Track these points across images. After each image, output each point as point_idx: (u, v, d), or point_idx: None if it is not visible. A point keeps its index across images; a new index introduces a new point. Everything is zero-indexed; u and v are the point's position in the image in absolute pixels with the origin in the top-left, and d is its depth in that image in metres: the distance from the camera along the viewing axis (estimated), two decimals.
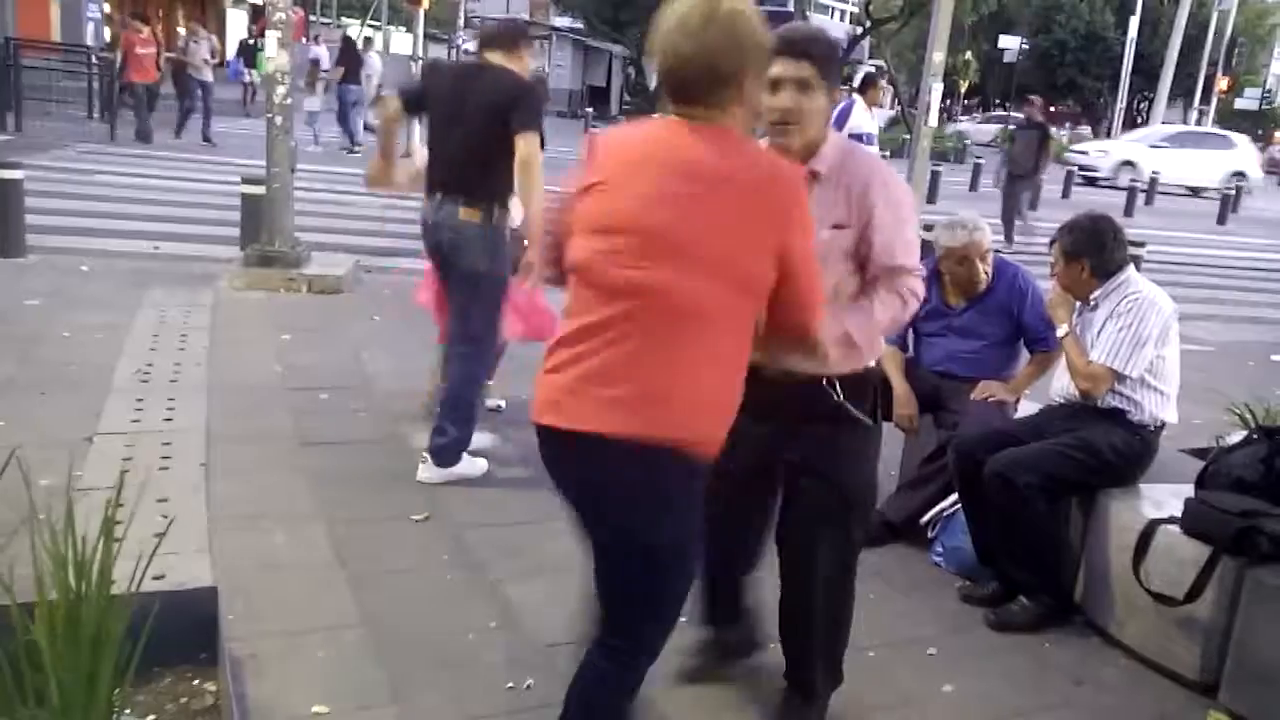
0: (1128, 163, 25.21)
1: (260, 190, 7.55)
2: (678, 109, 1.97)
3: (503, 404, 5.11)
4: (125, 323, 5.96)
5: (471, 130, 3.97)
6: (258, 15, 16.68)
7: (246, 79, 22.60)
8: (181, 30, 25.34)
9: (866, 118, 10.00)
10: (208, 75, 16.34)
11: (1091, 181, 24.69)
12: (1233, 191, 22.16)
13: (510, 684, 2.86)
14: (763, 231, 1.92)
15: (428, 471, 4.19)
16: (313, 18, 40.66)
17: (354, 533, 3.68)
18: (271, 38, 7.26)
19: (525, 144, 3.92)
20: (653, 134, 2.02)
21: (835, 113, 10.17)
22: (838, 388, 2.49)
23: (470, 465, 4.29)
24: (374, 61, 22.37)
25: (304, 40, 23.95)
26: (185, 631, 2.57)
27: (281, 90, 7.24)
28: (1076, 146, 28.59)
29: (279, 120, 7.27)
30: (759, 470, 2.65)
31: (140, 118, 15.56)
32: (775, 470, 2.66)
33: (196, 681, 2.56)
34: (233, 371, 5.33)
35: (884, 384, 2.99)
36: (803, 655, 2.76)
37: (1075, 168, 23.99)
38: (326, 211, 10.58)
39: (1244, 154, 27.00)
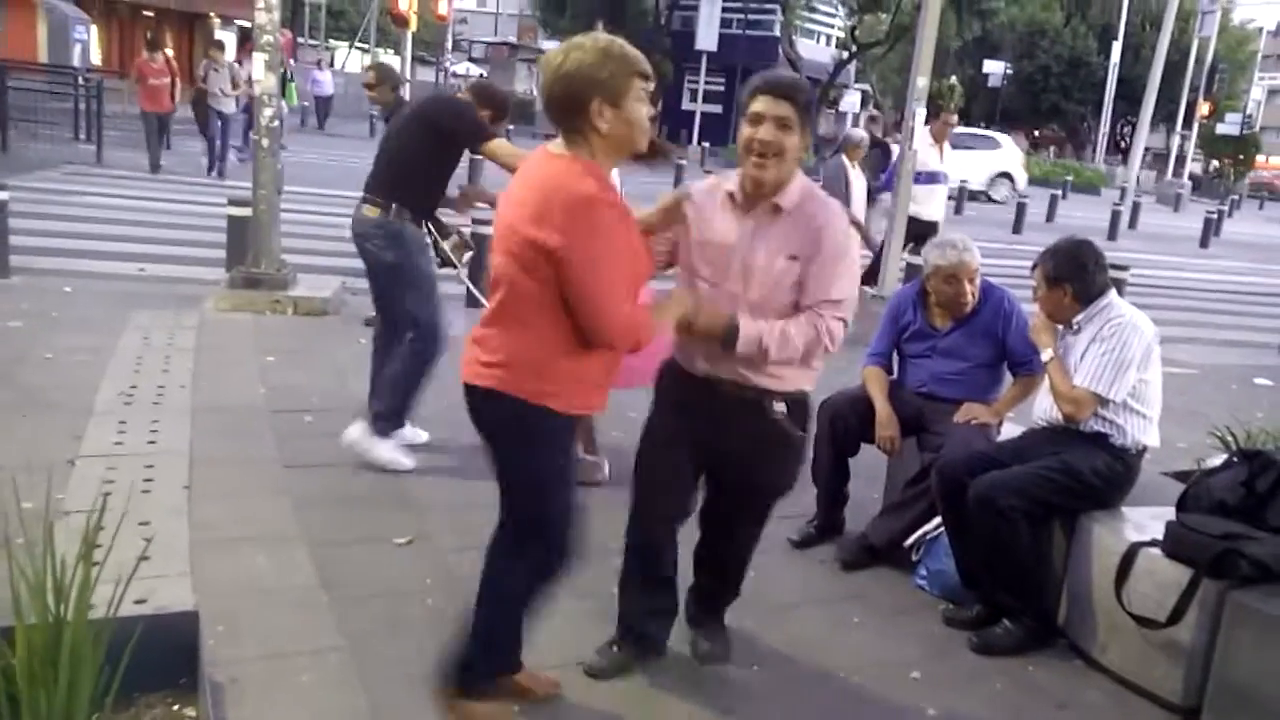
0: None
1: (246, 212, 7.55)
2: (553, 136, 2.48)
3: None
4: (109, 345, 5.93)
5: (397, 141, 4.51)
6: (246, 38, 16.09)
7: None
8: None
9: (933, 155, 9.40)
10: (227, 106, 15.42)
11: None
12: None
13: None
14: (544, 228, 2.32)
15: (356, 432, 4.50)
16: (300, 40, 40.79)
17: (337, 556, 3.66)
18: (259, 60, 7.28)
19: (495, 148, 4.33)
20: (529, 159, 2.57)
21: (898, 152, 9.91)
22: (775, 403, 2.80)
23: (395, 457, 4.49)
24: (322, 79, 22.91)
25: (292, 61, 23.93)
26: (166, 656, 2.55)
27: (269, 112, 7.25)
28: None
29: (265, 142, 7.28)
30: (690, 445, 2.92)
31: (150, 147, 14.88)
32: (703, 451, 2.92)
33: (176, 707, 2.54)
34: (217, 394, 5.31)
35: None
36: (719, 588, 3.21)
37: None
38: (313, 233, 10.56)
39: (1009, 155, 26.81)
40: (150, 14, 29.67)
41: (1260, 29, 55.12)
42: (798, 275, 2.70)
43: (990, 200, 25.36)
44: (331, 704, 2.82)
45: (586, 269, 2.33)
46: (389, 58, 37.81)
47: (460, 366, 2.57)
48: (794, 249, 2.69)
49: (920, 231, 9.09)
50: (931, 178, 9.43)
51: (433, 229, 6.02)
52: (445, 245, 5.69)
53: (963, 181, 21.78)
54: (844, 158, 8.89)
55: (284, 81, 19.76)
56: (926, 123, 9.47)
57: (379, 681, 2.93)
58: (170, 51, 14.14)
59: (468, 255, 5.68)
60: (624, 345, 2.47)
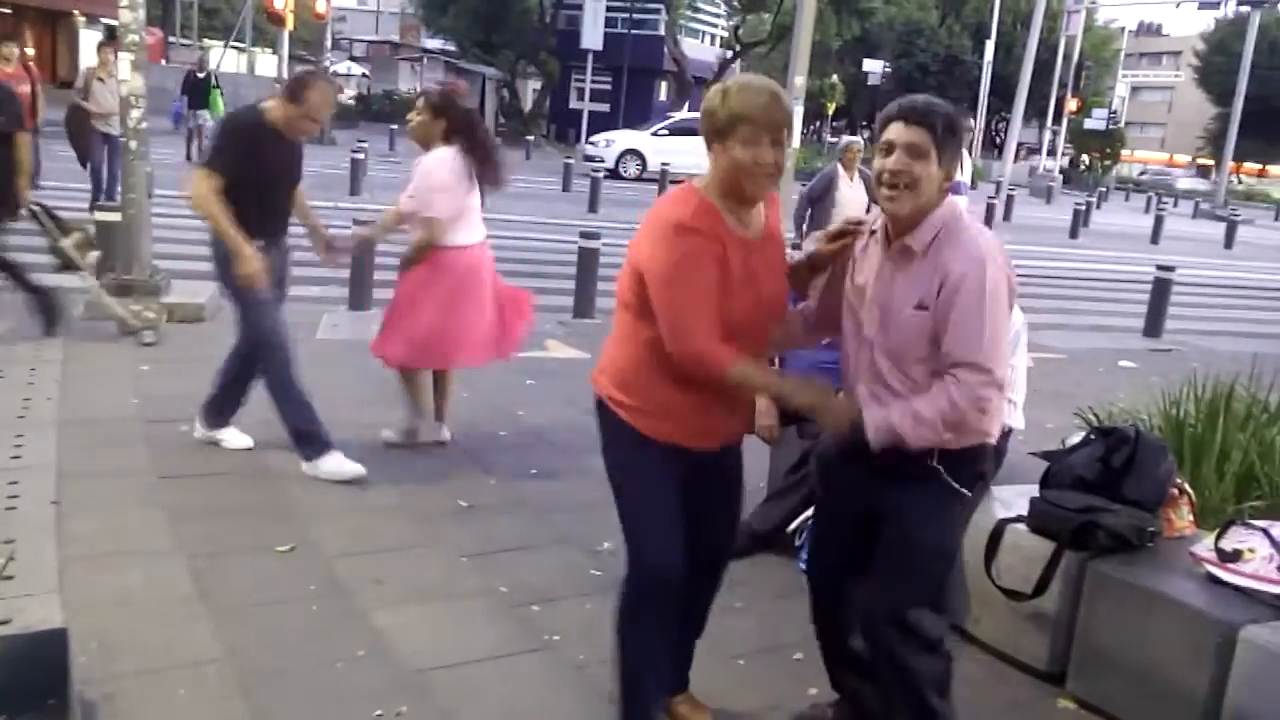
0: (633, 151, 25.93)
1: (116, 217, 7.28)
2: None
3: (447, 436, 5.09)
4: None
5: None
6: (112, 37, 14.10)
7: (193, 123, 17.64)
8: (84, 63, 17.05)
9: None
10: (116, 126, 9.98)
11: (614, 174, 24.50)
12: None
13: (379, 712, 2.82)
14: (637, 244, 2.48)
15: (309, 469, 4.49)
16: (172, 39, 39.44)
17: (216, 566, 3.58)
18: (125, 60, 7.03)
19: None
20: None
21: None
22: (935, 457, 2.47)
23: (339, 468, 4.46)
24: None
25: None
26: (33, 677, 2.46)
27: (136, 114, 7.01)
28: (593, 139, 28.13)
29: (134, 145, 7.04)
30: (857, 512, 2.68)
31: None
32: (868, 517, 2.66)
33: None
34: (86, 405, 5.12)
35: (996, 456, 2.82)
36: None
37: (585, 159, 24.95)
38: (187, 238, 10.22)
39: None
40: (7, 10, 28.04)
41: (1123, 28, 57.69)
42: (930, 327, 2.40)
43: None
44: (211, 716, 2.76)
45: (660, 287, 2.40)
46: (266, 57, 36.88)
47: None
48: (921, 297, 2.41)
49: None
50: (954, 187, 9.30)
51: (48, 224, 5.99)
52: (66, 243, 5.55)
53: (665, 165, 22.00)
54: (838, 165, 8.69)
55: (208, 89, 17.52)
56: None
57: (261, 690, 2.88)
58: (31, 50, 10.78)
59: (94, 255, 5.52)
60: (693, 371, 2.44)
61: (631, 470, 2.60)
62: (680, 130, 24.92)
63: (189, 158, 16.90)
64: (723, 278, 2.41)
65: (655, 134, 26.41)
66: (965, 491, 2.52)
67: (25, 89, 10.22)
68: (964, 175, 9.11)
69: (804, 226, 8.54)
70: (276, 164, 4.47)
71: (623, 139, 26.80)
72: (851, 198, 8.55)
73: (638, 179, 25.11)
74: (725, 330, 2.42)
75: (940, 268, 2.39)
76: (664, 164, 22.11)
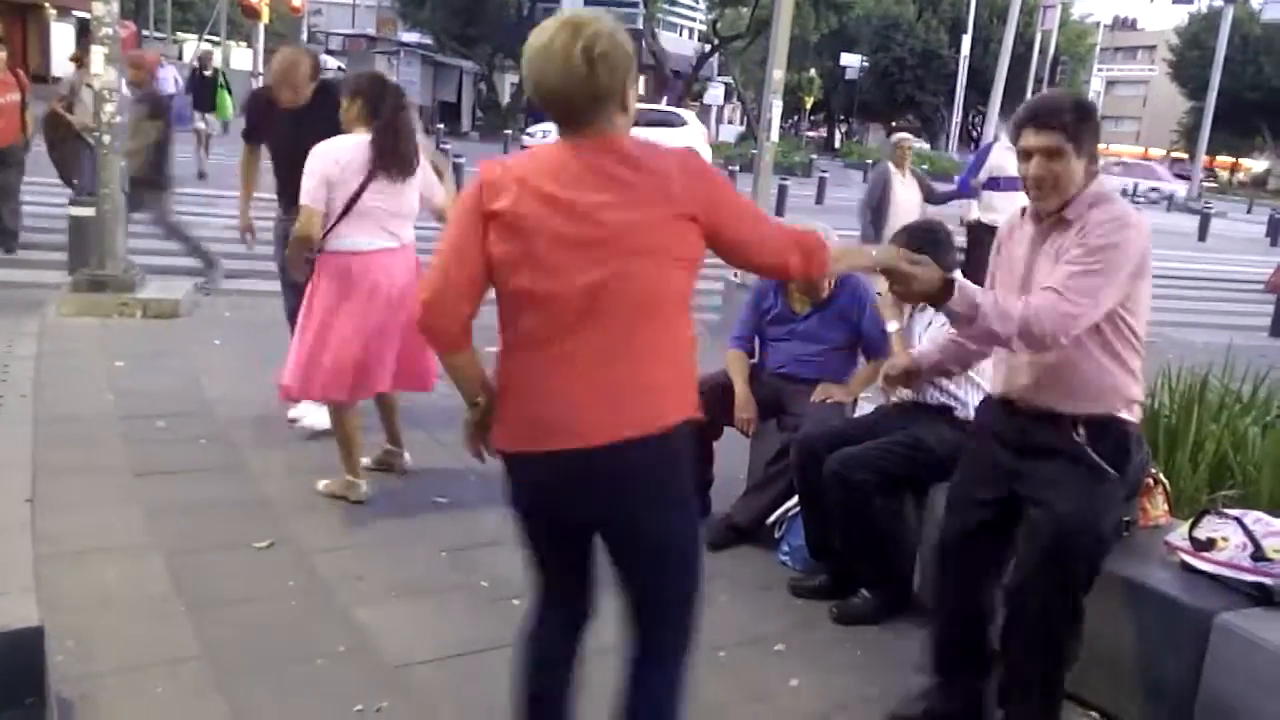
0: None
1: (89, 212, 7.21)
2: (563, 132, 2.05)
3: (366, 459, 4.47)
4: None
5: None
6: (85, 31, 12.88)
7: (201, 125, 15.60)
8: (56, 58, 15.18)
9: (1010, 159, 8.09)
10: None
11: None
12: None
13: (360, 707, 2.81)
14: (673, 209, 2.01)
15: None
16: (145, 33, 39.05)
17: (193, 563, 3.56)
18: (98, 54, 6.97)
19: None
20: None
21: (974, 156, 9.18)
22: (1080, 428, 2.60)
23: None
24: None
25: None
26: (9, 676, 2.44)
27: (110, 108, 6.95)
28: (530, 129, 27.28)
29: (107, 139, 6.97)
30: (1001, 505, 2.75)
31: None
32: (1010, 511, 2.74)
33: None
34: (61, 402, 5.08)
35: (1138, 440, 2.77)
36: (1014, 675, 2.84)
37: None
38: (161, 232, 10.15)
39: (693, 132, 26.41)
40: None
41: (1098, 23, 58.00)
42: None
43: None
44: (189, 713, 2.74)
45: (739, 208, 2.15)
46: (241, 51, 36.63)
47: None
48: (1071, 258, 2.54)
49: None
50: (1010, 183, 8.11)
51: None
52: None
53: None
54: (889, 164, 8.34)
55: (216, 89, 15.77)
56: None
57: (240, 687, 2.86)
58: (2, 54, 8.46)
59: None
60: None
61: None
62: None
63: (201, 173, 15.13)
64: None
65: None
66: (1112, 470, 2.60)
67: (14, 98, 8.59)
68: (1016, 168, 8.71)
69: (869, 232, 8.23)
70: (279, 135, 4.66)
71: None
72: (906, 198, 8.16)
73: None
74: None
75: (1085, 226, 2.54)
76: None
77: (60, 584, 3.32)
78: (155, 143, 7.72)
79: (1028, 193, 2.64)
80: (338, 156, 3.96)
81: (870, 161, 34.67)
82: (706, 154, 26.20)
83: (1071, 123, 2.54)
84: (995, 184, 8.54)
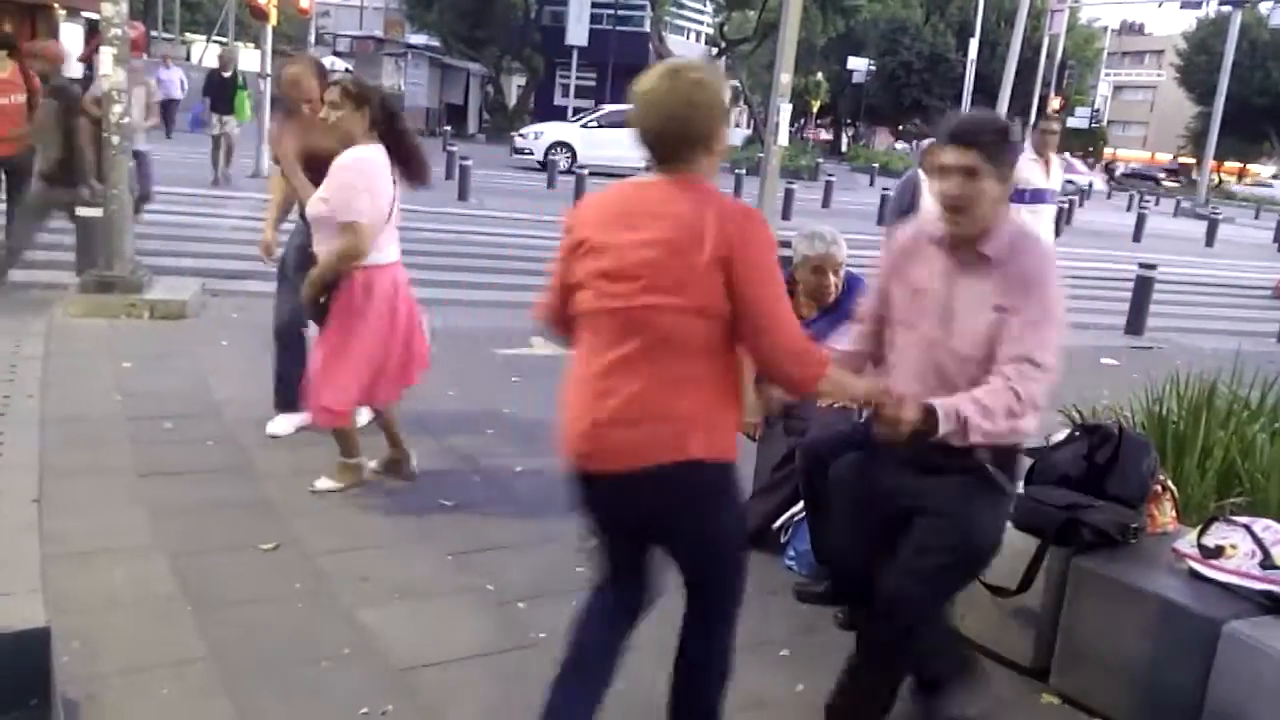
0: (562, 144, 24.75)
1: (97, 213, 7.23)
2: (655, 167, 2.25)
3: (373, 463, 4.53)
4: None
5: None
6: (94, 32, 12.45)
7: (218, 130, 15.26)
8: (77, 68, 12.39)
9: (1036, 171, 8.04)
10: (142, 141, 9.21)
11: (544, 167, 22.92)
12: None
13: (365, 710, 2.81)
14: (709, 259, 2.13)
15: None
16: (153, 33, 39.16)
17: (199, 565, 3.56)
18: (107, 54, 6.98)
19: None
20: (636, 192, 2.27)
21: None
22: (985, 455, 2.59)
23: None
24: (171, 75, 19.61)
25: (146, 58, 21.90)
26: (15, 676, 2.45)
27: (118, 109, 6.96)
28: (520, 130, 27.63)
29: (116, 140, 6.99)
30: (890, 514, 2.74)
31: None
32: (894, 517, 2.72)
33: None
34: (69, 403, 5.08)
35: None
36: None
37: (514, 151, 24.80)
38: (170, 234, 10.19)
39: None
40: None
41: (1105, 27, 57.97)
42: (1004, 330, 2.53)
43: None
44: (195, 715, 2.74)
45: (771, 302, 2.23)
46: (249, 52, 36.65)
47: None
48: (1001, 299, 2.54)
49: None
50: (1036, 196, 8.06)
51: None
52: None
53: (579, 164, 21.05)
54: (919, 171, 7.82)
55: (234, 91, 15.47)
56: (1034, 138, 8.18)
57: (245, 689, 2.86)
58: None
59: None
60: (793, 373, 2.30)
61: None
62: (611, 123, 23.70)
63: (215, 180, 14.99)
64: None
65: (585, 126, 25.42)
66: (1008, 488, 2.67)
67: (20, 99, 7.63)
68: (1052, 182, 8.22)
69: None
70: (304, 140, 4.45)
71: (551, 131, 25.74)
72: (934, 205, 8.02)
73: (568, 172, 22.43)
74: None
75: (1021, 271, 2.53)
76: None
77: (66, 584, 3.33)
78: (64, 136, 7.08)
79: (941, 212, 2.61)
80: (375, 169, 4.01)
81: (876, 165, 34.79)
82: None
83: (990, 143, 2.52)
84: (1020, 196, 7.90)
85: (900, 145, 50.39)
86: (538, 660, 3.15)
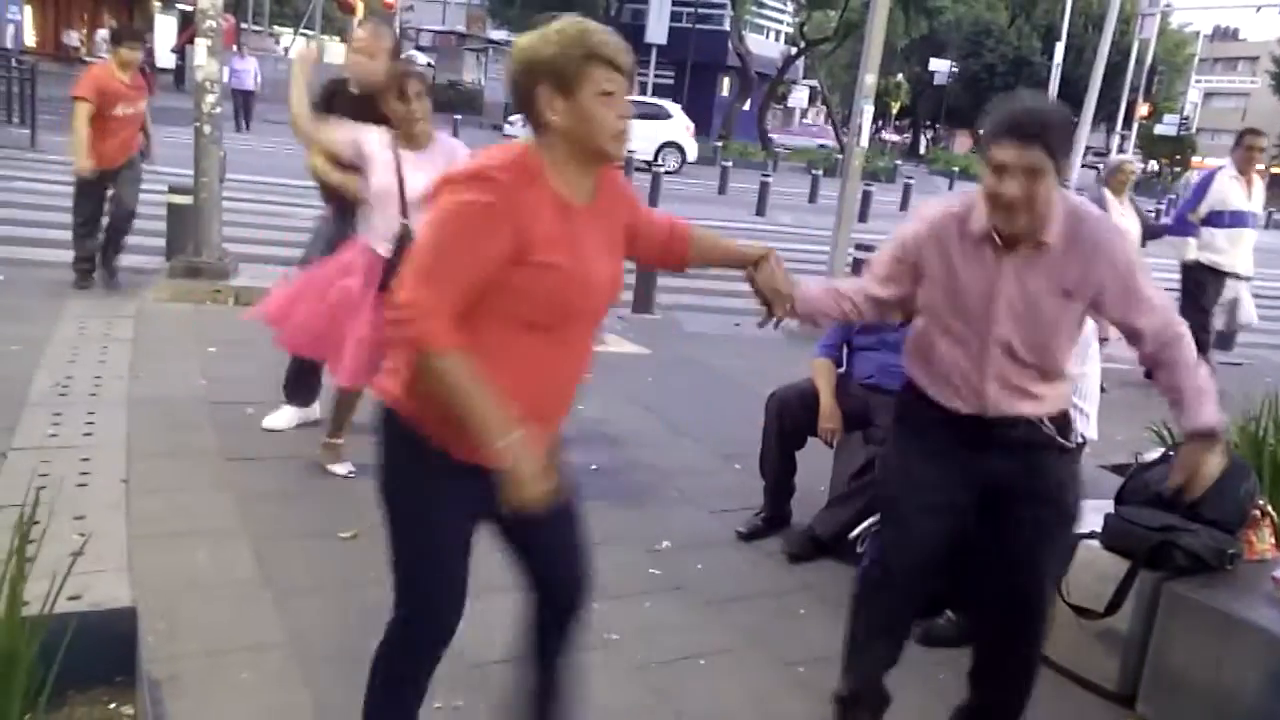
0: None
1: (187, 200, 7.41)
2: None
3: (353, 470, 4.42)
4: (43, 335, 5.79)
5: None
6: (187, 22, 13.06)
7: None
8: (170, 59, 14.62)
9: (1237, 189, 7.51)
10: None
11: None
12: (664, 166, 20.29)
13: (439, 704, 2.82)
14: None
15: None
16: (244, 25, 40.06)
17: (279, 550, 3.61)
18: (201, 46, 7.14)
19: None
20: None
21: (1194, 186, 8.01)
22: (1046, 423, 2.55)
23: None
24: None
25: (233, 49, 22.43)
26: (102, 653, 2.50)
27: (210, 99, 7.12)
28: (511, 117, 26.39)
29: (207, 129, 7.15)
30: (961, 504, 2.62)
31: (96, 248, 7.16)
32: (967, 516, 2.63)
33: (113, 705, 2.49)
34: (156, 385, 5.21)
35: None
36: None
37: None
38: (255, 223, 10.39)
39: (678, 125, 26.06)
40: None
41: (1197, 33, 56.37)
42: (1079, 313, 2.45)
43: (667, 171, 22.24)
44: (272, 700, 2.78)
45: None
46: (336, 45, 37.27)
47: None
48: (1066, 285, 2.38)
49: (1219, 289, 7.66)
50: (1237, 219, 7.54)
51: None
52: None
53: (630, 152, 21.00)
54: (1106, 191, 7.40)
55: None
56: (1234, 154, 7.67)
57: (321, 677, 2.89)
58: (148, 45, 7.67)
59: None
60: (388, 327, 2.06)
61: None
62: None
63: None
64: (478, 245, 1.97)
65: None
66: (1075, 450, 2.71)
67: (142, 106, 6.95)
68: (1254, 204, 7.66)
69: None
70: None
71: None
72: (1125, 227, 7.02)
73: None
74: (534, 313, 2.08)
75: (1086, 255, 2.37)
76: None
77: (151, 565, 3.40)
78: None
79: (990, 211, 2.34)
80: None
81: (956, 169, 34.21)
82: (692, 149, 26.02)
83: (1056, 141, 2.26)
84: (1219, 219, 7.56)
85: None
86: (609, 661, 3.14)
